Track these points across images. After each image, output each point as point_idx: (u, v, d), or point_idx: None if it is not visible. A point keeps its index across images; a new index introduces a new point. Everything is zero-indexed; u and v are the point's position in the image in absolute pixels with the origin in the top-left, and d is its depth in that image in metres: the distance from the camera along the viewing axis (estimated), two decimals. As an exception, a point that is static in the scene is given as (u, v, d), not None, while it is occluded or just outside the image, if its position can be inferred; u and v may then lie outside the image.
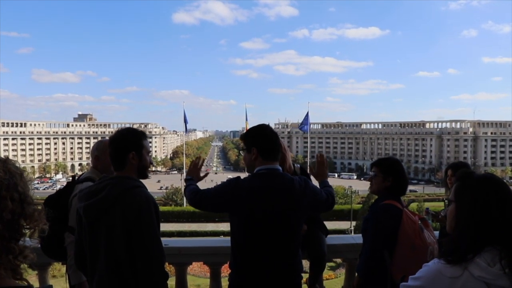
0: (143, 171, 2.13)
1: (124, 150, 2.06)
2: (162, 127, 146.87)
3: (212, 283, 3.56)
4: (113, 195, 1.98)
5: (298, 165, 3.43)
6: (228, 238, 2.36)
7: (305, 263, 3.41)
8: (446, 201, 1.47)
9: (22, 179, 1.09)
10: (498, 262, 1.25)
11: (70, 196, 2.61)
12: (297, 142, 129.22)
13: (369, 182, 2.72)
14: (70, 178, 2.81)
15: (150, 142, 2.36)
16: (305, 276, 3.58)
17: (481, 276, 1.24)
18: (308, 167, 2.54)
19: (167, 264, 3.41)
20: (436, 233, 3.12)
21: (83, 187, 2.36)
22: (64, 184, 2.89)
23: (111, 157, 2.11)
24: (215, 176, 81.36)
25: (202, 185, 2.47)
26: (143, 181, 2.14)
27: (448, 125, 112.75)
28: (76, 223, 2.18)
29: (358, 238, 3.43)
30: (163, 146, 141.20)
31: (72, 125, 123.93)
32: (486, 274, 1.24)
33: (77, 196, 2.43)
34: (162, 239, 2.08)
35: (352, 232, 33.30)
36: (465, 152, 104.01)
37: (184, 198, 51.30)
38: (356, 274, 2.81)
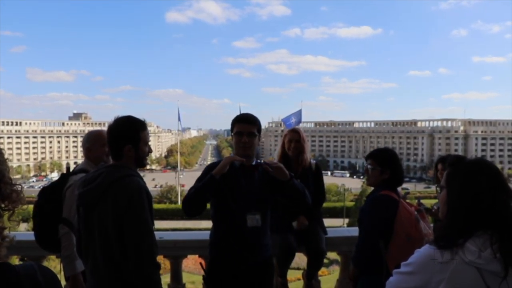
0: (140, 161, 2.13)
1: (120, 142, 2.04)
2: (157, 126, 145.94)
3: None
4: (107, 182, 1.97)
5: (315, 161, 3.46)
6: None
7: (303, 259, 3.45)
8: (438, 188, 1.47)
9: None
10: (489, 246, 1.24)
11: (64, 187, 2.59)
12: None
13: (361, 181, 2.68)
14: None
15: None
16: (301, 272, 3.60)
17: (472, 261, 1.24)
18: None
19: (162, 257, 3.40)
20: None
21: (77, 178, 2.36)
22: None
23: (109, 146, 2.09)
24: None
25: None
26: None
27: (439, 123, 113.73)
28: (76, 212, 2.17)
29: (353, 231, 3.45)
30: (158, 145, 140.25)
31: (67, 124, 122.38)
32: (477, 259, 1.23)
33: (73, 186, 2.42)
34: (157, 232, 2.07)
35: (346, 229, 33.40)
36: (456, 150, 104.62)
37: (179, 196, 51.12)
38: (352, 265, 2.78)
